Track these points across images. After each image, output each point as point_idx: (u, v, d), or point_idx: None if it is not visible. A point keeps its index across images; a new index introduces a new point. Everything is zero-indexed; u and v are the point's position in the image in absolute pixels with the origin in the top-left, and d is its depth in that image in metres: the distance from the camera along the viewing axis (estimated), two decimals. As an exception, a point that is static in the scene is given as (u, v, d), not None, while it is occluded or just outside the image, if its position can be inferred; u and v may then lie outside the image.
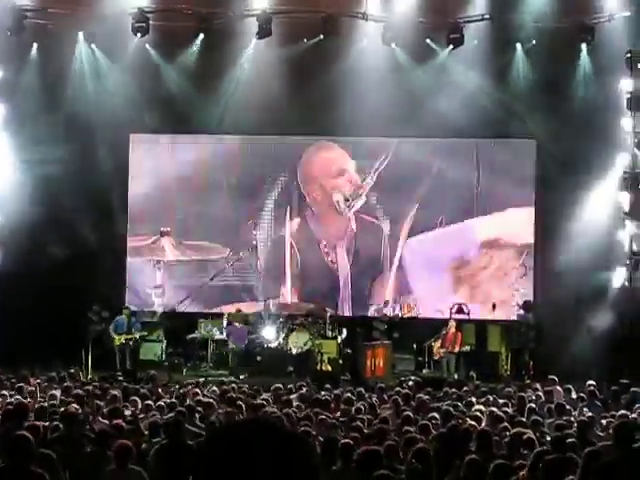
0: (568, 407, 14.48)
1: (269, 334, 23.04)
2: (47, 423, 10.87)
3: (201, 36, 23.79)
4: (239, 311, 24.01)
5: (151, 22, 23.30)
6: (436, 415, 12.93)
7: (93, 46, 24.14)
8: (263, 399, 14.86)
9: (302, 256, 25.32)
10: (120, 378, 19.92)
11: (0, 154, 23.55)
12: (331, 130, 24.82)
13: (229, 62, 24.12)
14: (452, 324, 22.91)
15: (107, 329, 22.65)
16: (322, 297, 25.02)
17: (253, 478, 2.92)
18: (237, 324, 23.15)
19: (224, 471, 2.94)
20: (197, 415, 12.70)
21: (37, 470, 7.70)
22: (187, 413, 12.15)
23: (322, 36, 23.64)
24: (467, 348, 22.80)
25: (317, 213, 25.50)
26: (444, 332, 22.84)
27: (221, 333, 23.39)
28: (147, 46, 24.07)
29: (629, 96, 23.00)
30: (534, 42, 23.41)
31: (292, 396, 15.80)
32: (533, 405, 14.71)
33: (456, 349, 22.61)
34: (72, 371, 19.63)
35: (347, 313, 25.04)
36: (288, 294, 25.23)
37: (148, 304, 25.14)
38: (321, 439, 10.16)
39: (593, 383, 17.81)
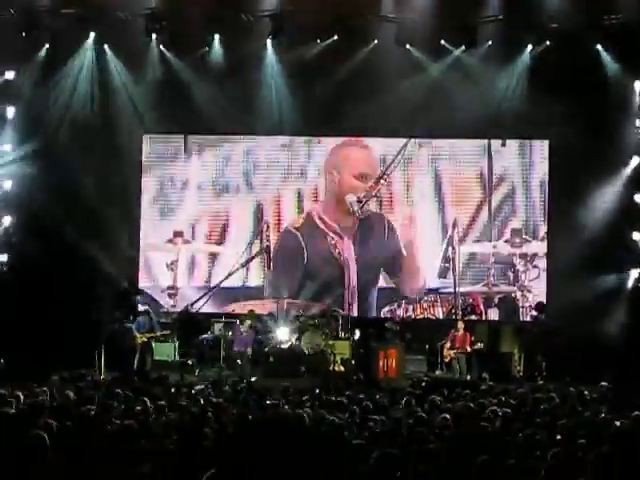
0: (581, 408, 14.43)
1: (282, 335, 23.03)
2: (60, 423, 10.87)
3: (215, 37, 23.81)
4: (251, 311, 23.97)
5: (164, 23, 23.34)
6: (448, 416, 12.90)
7: (105, 47, 24.14)
8: (276, 400, 14.85)
9: (310, 251, 25.29)
10: (133, 378, 19.94)
11: (10, 154, 23.61)
12: (344, 130, 24.78)
13: (242, 62, 24.09)
14: (461, 325, 22.87)
15: (120, 329, 22.75)
16: (331, 294, 25.00)
17: (271, 474, 2.95)
18: (243, 329, 23.02)
19: (244, 467, 2.97)
20: (210, 416, 12.69)
21: (51, 468, 7.73)
22: (200, 414, 12.15)
23: (336, 36, 23.64)
24: (480, 345, 22.67)
25: (326, 204, 25.45)
26: (455, 333, 22.80)
27: (229, 334, 23.45)
28: (161, 47, 24.09)
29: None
30: (548, 43, 23.36)
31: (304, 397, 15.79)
32: (546, 406, 14.67)
33: (467, 349, 22.53)
34: (85, 371, 19.66)
35: (354, 311, 24.93)
36: (300, 293, 25.20)
37: (161, 305, 25.20)
38: (334, 440, 10.16)
39: (606, 384, 17.76)
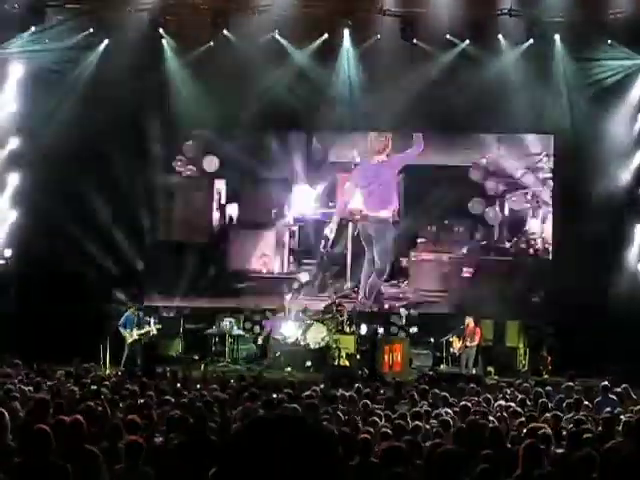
0: (586, 402, 14.43)
1: (288, 329, 23.04)
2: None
3: (219, 31, 23.65)
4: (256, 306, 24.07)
5: (167, 17, 23.27)
6: (454, 410, 12.90)
7: (108, 40, 23.91)
8: (282, 394, 14.85)
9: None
10: (138, 373, 19.94)
11: (15, 152, 23.63)
12: (345, 124, 24.73)
13: (246, 57, 23.91)
14: (469, 319, 22.76)
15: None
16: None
17: (279, 472, 2.93)
18: (274, 315, 23.53)
19: (251, 465, 2.95)
20: (216, 410, 12.69)
21: (58, 462, 7.72)
22: (206, 409, 12.15)
23: (347, 30, 23.53)
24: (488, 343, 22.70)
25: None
26: (462, 327, 22.74)
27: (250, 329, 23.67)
28: (163, 41, 23.98)
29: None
30: (557, 36, 23.20)
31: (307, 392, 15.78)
32: (551, 400, 14.66)
33: (475, 342, 22.42)
34: (88, 366, 19.63)
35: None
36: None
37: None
38: (338, 434, 10.15)
39: (609, 378, 17.73)
